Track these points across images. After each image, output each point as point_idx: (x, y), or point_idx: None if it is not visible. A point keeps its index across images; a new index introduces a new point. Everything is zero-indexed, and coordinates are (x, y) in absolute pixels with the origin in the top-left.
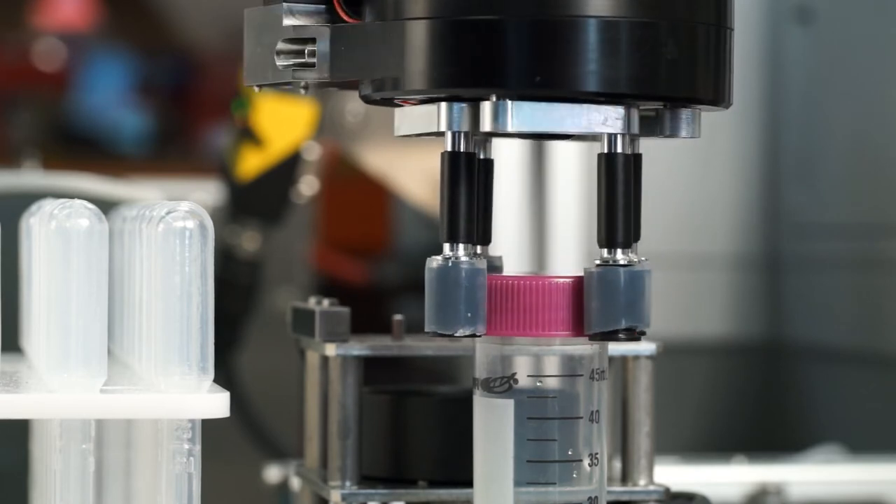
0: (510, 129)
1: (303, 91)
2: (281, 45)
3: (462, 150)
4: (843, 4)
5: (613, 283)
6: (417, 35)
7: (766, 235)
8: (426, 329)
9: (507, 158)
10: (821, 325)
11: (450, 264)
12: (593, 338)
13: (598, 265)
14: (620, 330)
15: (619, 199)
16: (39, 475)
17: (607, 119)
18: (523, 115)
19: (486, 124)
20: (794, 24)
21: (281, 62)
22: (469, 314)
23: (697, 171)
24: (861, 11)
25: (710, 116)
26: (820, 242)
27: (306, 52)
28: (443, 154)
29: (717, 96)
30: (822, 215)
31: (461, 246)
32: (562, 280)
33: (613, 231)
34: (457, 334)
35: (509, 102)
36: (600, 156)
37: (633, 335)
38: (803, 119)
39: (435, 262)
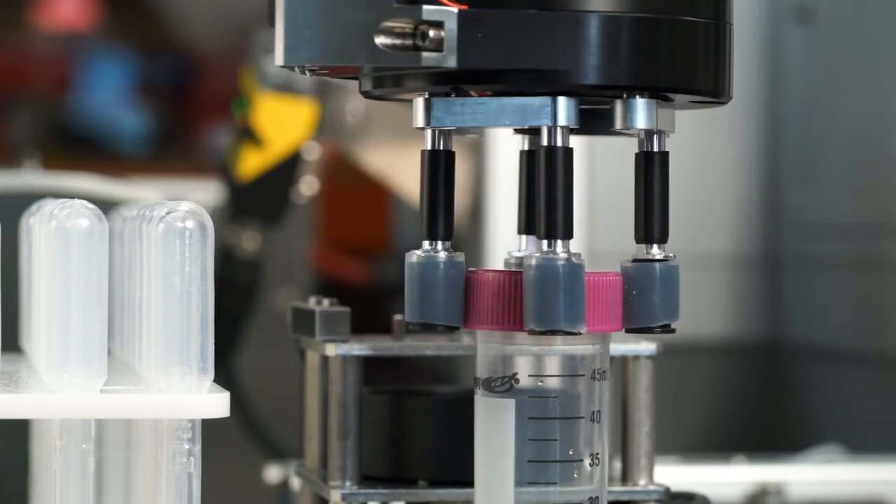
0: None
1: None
2: (391, 24)
3: (560, 144)
4: (843, 4)
5: (650, 279)
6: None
7: (766, 235)
8: (532, 327)
9: (506, 154)
10: (821, 325)
11: (573, 261)
12: (630, 331)
13: (634, 261)
14: (657, 326)
15: (655, 195)
16: (39, 475)
17: (662, 117)
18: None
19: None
20: (794, 24)
21: (388, 43)
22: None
23: (697, 171)
24: (861, 11)
25: (710, 116)
26: (820, 242)
27: (430, 35)
28: (542, 149)
29: (719, 89)
30: (822, 215)
31: (560, 242)
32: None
33: (650, 227)
34: (582, 331)
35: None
36: (639, 154)
37: (668, 329)
38: (803, 119)
39: (536, 259)
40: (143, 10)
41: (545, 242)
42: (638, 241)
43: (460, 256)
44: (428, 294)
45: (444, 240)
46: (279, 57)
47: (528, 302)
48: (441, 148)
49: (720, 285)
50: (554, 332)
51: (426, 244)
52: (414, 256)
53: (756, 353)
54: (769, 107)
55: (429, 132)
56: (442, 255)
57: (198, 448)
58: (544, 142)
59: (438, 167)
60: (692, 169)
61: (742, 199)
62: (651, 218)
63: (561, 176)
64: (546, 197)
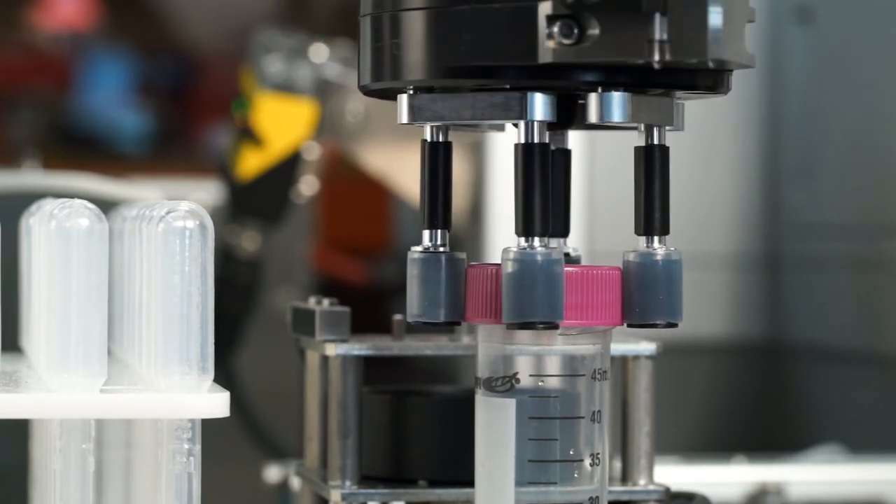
0: (617, 120)
1: None
2: None
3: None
4: (843, 4)
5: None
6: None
7: (766, 235)
8: (633, 323)
9: (506, 153)
10: (821, 325)
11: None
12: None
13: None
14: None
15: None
16: (39, 475)
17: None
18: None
19: (593, 116)
20: (794, 24)
21: None
22: None
23: (697, 171)
24: (861, 11)
25: (710, 117)
26: (820, 242)
27: None
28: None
29: (716, 83)
30: (822, 215)
31: (656, 239)
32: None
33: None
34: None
35: (615, 94)
36: (638, 149)
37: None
38: (803, 119)
39: (634, 255)
40: (143, 10)
41: (644, 239)
42: (638, 233)
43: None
44: (532, 291)
45: (541, 236)
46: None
47: (627, 297)
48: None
49: (720, 285)
50: (653, 325)
51: (525, 241)
52: (512, 253)
53: (756, 353)
54: (769, 107)
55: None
56: (541, 249)
57: (198, 448)
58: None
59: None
60: (692, 169)
61: (742, 199)
62: (652, 211)
63: (658, 173)
64: (646, 194)
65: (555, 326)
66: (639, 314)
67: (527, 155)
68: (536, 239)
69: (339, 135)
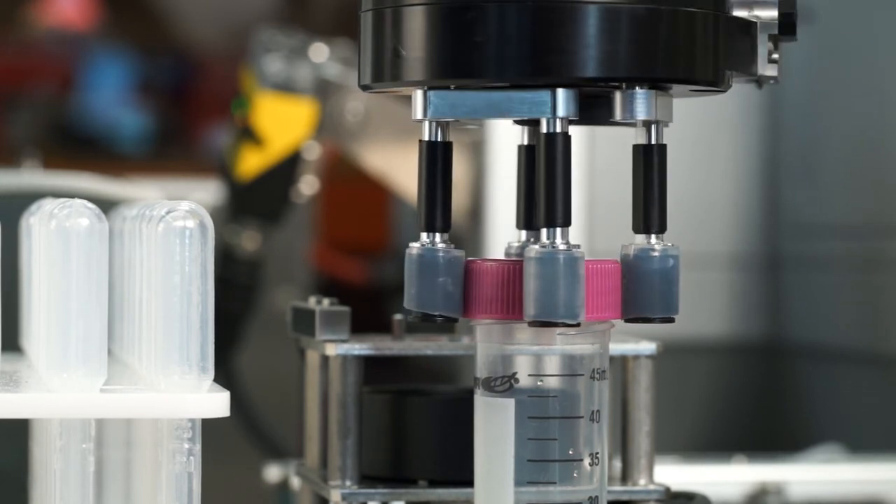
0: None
1: None
2: None
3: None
4: (844, 4)
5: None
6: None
7: (766, 235)
8: (532, 318)
9: (507, 147)
10: (821, 325)
11: (573, 253)
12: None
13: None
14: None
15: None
16: (39, 475)
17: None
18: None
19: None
20: None
21: None
22: None
23: (697, 171)
24: (862, 11)
25: (711, 116)
26: (820, 242)
27: None
28: (541, 137)
29: (717, 78)
30: (822, 215)
31: (559, 231)
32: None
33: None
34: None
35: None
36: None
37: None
38: (803, 119)
39: (535, 251)
40: (143, 10)
41: (545, 232)
42: (636, 231)
43: (459, 251)
44: (428, 285)
45: (442, 232)
46: None
47: (529, 294)
48: (439, 139)
49: (720, 285)
50: (553, 324)
51: (424, 236)
52: (413, 249)
53: (756, 353)
54: (769, 107)
55: (426, 124)
56: (441, 246)
57: (198, 448)
58: (543, 130)
59: (436, 158)
60: (692, 169)
61: (742, 199)
62: (651, 209)
63: (560, 164)
64: (546, 186)
65: (454, 320)
66: (635, 308)
67: (430, 151)
68: (437, 235)
69: (339, 135)
